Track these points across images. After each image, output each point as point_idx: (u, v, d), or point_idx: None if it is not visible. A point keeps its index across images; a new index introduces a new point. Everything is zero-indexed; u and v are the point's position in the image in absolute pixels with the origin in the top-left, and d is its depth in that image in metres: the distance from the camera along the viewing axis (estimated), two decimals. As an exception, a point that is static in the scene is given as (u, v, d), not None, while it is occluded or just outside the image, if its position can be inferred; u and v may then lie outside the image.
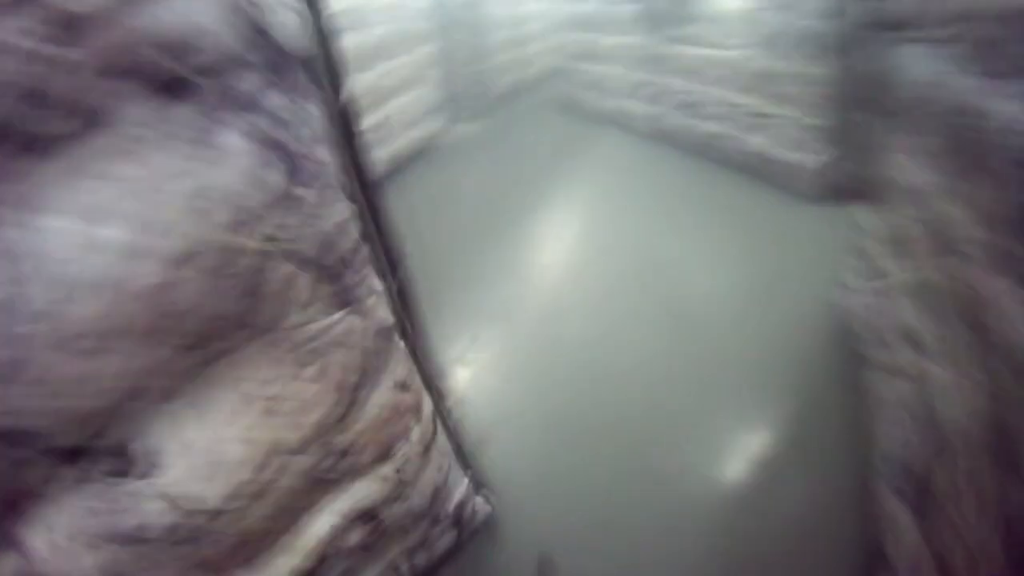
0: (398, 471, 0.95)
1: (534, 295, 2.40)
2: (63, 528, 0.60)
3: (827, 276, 2.05)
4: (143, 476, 0.62)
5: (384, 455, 0.92)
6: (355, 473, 0.89)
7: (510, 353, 2.03)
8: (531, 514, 1.38)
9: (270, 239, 0.63)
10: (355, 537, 0.92)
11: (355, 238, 0.78)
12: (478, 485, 1.32)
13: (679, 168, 3.47)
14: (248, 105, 0.60)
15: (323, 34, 0.78)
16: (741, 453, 1.52)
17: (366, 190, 0.87)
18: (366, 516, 0.92)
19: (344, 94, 0.82)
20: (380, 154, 3.41)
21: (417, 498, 1.03)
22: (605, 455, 1.54)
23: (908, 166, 1.26)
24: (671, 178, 3.38)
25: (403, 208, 3.00)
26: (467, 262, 2.68)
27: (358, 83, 3.15)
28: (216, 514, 0.69)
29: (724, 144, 3.28)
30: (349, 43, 3.09)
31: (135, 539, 0.63)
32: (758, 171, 3.07)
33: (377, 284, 0.85)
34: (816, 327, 1.93)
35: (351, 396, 0.80)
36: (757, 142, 3.05)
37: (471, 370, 1.95)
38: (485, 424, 1.56)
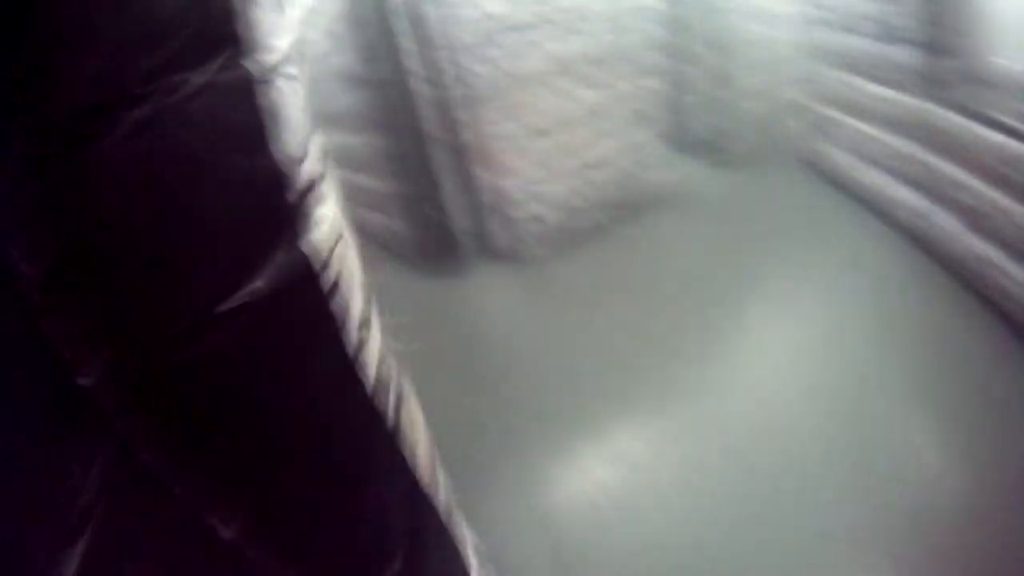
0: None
1: (708, 425, 1.94)
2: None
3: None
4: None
5: None
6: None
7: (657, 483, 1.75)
8: None
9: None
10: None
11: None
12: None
13: (940, 299, 2.32)
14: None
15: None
16: None
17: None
18: None
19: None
20: (579, 198, 3.28)
21: None
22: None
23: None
24: (926, 312, 2.28)
25: (593, 272, 2.99)
26: (642, 357, 2.29)
27: (559, 104, 3.19)
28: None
29: (1004, 284, 2.06)
30: (555, 52, 3.13)
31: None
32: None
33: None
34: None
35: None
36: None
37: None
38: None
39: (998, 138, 2.00)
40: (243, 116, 0.59)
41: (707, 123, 4.06)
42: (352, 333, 0.70)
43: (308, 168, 0.66)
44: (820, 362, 2.14)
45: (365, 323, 0.75)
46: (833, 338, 2.24)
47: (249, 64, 0.59)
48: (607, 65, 3.32)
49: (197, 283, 0.58)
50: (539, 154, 3.29)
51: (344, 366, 0.68)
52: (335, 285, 0.68)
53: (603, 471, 1.93)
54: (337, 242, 0.70)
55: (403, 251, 3.62)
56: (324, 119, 3.03)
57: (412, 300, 3.30)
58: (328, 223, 0.69)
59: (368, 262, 0.89)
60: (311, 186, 0.66)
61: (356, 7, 3.06)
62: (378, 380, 0.75)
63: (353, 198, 4.17)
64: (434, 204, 3.48)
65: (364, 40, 3.11)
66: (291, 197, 0.61)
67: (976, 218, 2.20)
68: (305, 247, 0.63)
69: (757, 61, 4.03)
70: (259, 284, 0.60)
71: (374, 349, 0.76)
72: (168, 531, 0.62)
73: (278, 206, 0.60)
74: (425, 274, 3.54)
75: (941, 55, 2.33)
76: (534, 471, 2.00)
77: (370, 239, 4.05)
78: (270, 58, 0.62)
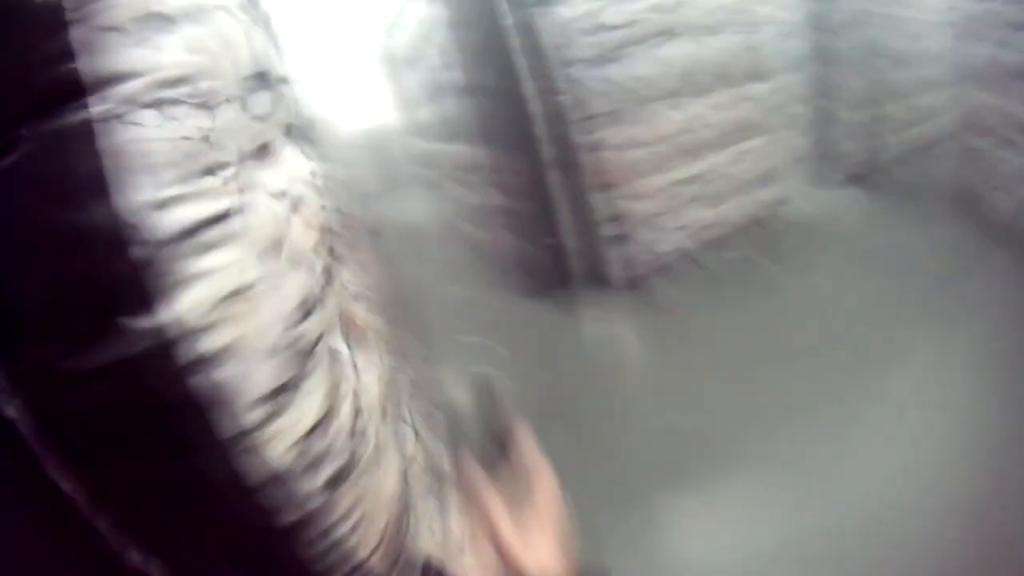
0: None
1: (821, 499, 1.66)
2: None
3: None
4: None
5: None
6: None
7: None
8: None
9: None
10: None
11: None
12: None
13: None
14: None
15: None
16: None
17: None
18: None
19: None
20: (709, 231, 2.96)
21: None
22: None
23: None
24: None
25: (722, 313, 2.82)
26: (768, 412, 2.01)
27: (686, 125, 2.85)
28: None
29: None
30: (682, 67, 2.79)
31: None
32: None
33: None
34: None
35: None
36: None
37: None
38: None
39: None
40: (79, 166, 0.50)
41: (855, 151, 3.36)
42: (241, 411, 0.58)
43: (181, 214, 0.55)
44: (961, 448, 1.66)
45: (276, 394, 0.62)
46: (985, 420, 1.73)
47: (94, 104, 0.51)
48: (743, 84, 2.81)
49: (41, 350, 0.51)
50: (664, 179, 2.91)
51: (215, 450, 0.56)
52: (219, 353, 0.57)
53: (703, 527, 1.65)
54: (231, 298, 0.59)
55: (510, 273, 3.53)
56: (431, 127, 3.10)
57: (516, 328, 3.21)
58: (220, 277, 0.58)
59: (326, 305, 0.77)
60: (182, 235, 0.55)
61: (464, 13, 3.02)
62: (291, 462, 0.62)
63: (460, 212, 4.25)
64: (545, 225, 3.32)
65: (472, 47, 3.06)
66: (136, 254, 0.51)
67: None
68: (160, 313, 0.52)
69: (909, 83, 3.28)
70: (100, 356, 0.51)
71: (290, 424, 0.63)
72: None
73: (114, 267, 0.50)
74: (533, 301, 3.42)
75: None
76: (638, 520, 1.80)
77: (477, 257, 4.06)
78: (126, 91, 0.53)
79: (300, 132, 1.07)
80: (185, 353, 0.54)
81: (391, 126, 6.84)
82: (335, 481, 0.68)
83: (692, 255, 3.03)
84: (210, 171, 0.60)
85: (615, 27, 2.63)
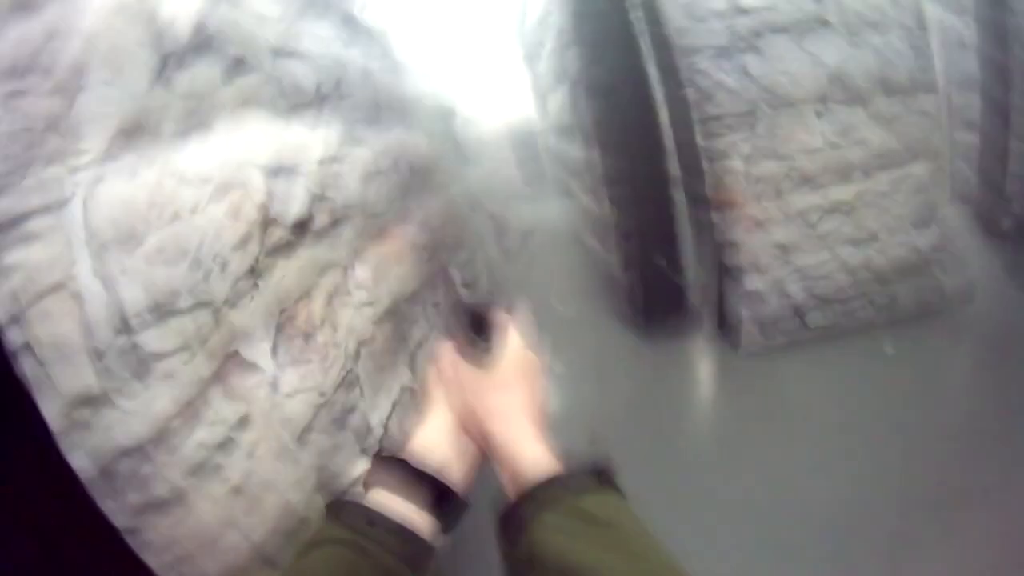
0: None
1: None
2: None
3: None
4: None
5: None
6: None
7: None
8: None
9: None
10: None
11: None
12: None
13: None
14: None
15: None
16: None
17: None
18: None
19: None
20: (844, 280, 2.46)
21: None
22: None
23: None
24: None
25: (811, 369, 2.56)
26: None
27: (833, 140, 2.44)
28: None
29: None
30: (834, 67, 2.33)
31: None
32: None
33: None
34: None
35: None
36: None
37: None
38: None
39: None
40: None
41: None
42: (56, 412, 0.55)
43: (5, 205, 0.53)
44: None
45: (89, 400, 0.58)
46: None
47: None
48: (907, 95, 2.16)
49: None
50: (800, 202, 2.42)
51: (16, 450, 0.53)
52: (21, 350, 0.54)
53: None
54: (46, 296, 0.56)
55: (617, 296, 3.25)
56: (560, 125, 2.95)
57: (616, 357, 2.97)
58: (35, 271, 0.55)
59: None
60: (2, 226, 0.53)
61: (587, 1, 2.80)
62: (94, 476, 0.58)
63: (584, 221, 4.01)
64: (659, 248, 2.96)
65: (593, 32, 2.82)
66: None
67: None
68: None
69: None
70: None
71: (101, 439, 0.59)
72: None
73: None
74: (637, 331, 3.13)
75: None
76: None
77: (592, 272, 3.83)
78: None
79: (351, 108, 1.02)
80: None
81: (533, 122, 6.83)
82: (144, 509, 0.62)
83: (820, 307, 2.48)
84: (54, 160, 0.58)
85: (752, 10, 2.20)
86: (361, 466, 1.00)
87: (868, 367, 2.20)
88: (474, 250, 4.78)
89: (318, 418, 0.89)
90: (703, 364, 2.82)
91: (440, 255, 2.39)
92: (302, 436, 0.85)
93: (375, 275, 1.33)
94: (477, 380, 0.51)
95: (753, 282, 2.52)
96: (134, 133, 0.67)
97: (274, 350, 0.87)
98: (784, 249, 2.48)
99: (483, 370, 0.52)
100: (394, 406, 1.25)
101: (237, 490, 0.74)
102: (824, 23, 2.14)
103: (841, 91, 2.19)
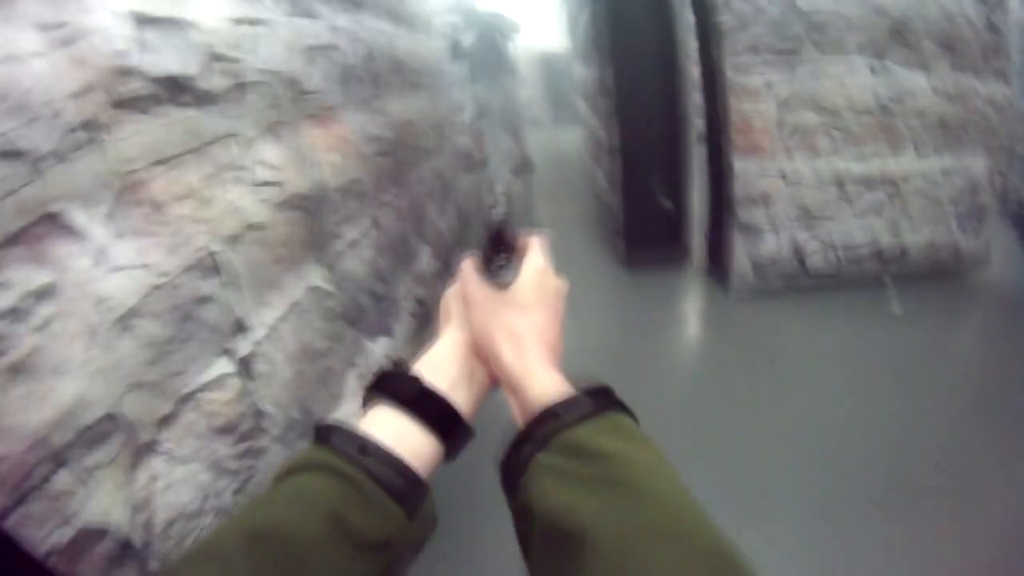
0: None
1: None
2: None
3: None
4: None
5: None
6: None
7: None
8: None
9: None
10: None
11: None
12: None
13: None
14: None
15: None
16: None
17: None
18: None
19: None
20: (861, 232, 2.28)
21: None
22: None
23: None
24: None
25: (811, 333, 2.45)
26: None
27: (870, 78, 2.18)
28: None
29: None
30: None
31: None
32: None
33: None
34: None
35: None
36: None
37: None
38: None
39: None
40: None
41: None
42: None
43: None
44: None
45: None
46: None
47: None
48: (975, 75, 1.81)
49: None
50: (837, 164, 2.14)
51: None
52: None
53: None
54: None
55: (608, 226, 3.05)
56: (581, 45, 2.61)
57: (599, 290, 2.84)
58: None
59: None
60: None
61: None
62: None
63: (591, 150, 3.73)
64: (659, 177, 2.75)
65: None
66: None
67: None
68: None
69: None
70: None
71: None
72: None
73: None
74: (622, 260, 2.96)
75: None
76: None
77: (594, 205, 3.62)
78: None
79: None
80: None
81: (562, 51, 6.39)
82: None
83: (823, 245, 2.30)
84: None
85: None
86: (218, 368, 0.90)
87: (872, 325, 2.07)
88: (496, 170, 4.59)
89: (150, 301, 0.78)
90: (690, 303, 2.72)
91: (410, 156, 2.21)
92: (123, 319, 0.74)
93: (291, 155, 1.17)
94: (495, 299, 0.48)
95: (761, 240, 2.33)
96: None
97: (109, 216, 0.74)
98: (807, 212, 2.26)
99: (503, 291, 0.48)
100: (292, 307, 1.13)
101: (16, 368, 0.64)
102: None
103: (902, 49, 1.87)
